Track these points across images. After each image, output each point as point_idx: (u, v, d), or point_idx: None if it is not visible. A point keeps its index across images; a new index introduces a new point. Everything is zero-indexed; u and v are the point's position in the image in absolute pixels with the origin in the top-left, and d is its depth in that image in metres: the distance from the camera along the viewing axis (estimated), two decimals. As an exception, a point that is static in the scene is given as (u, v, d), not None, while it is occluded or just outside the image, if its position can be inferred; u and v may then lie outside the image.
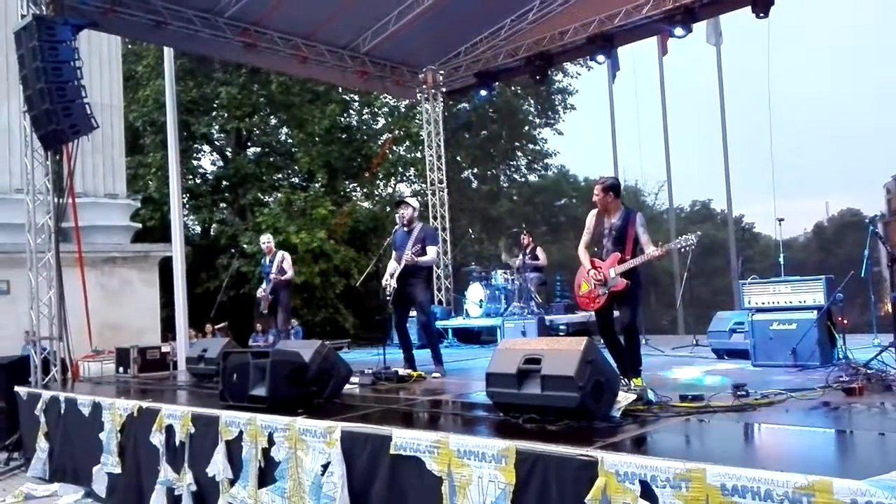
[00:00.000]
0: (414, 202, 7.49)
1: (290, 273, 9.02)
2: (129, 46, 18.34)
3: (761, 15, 8.86)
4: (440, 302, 12.83)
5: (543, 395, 3.94)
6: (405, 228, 7.15)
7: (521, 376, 4.07)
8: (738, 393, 4.48)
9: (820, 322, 5.98)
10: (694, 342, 8.50)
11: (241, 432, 4.81)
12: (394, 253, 7.19)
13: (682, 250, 5.31)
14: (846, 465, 3.20)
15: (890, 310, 6.74)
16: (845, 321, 6.22)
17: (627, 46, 11.22)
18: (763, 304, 6.38)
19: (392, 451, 3.87)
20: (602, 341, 5.68)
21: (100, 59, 12.12)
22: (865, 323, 7.67)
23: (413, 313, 7.42)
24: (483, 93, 12.53)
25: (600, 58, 10.71)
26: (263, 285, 9.07)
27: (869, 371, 4.98)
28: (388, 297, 7.07)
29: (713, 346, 7.47)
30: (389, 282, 7.01)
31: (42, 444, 7.14)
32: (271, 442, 4.59)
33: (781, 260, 7.90)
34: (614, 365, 4.83)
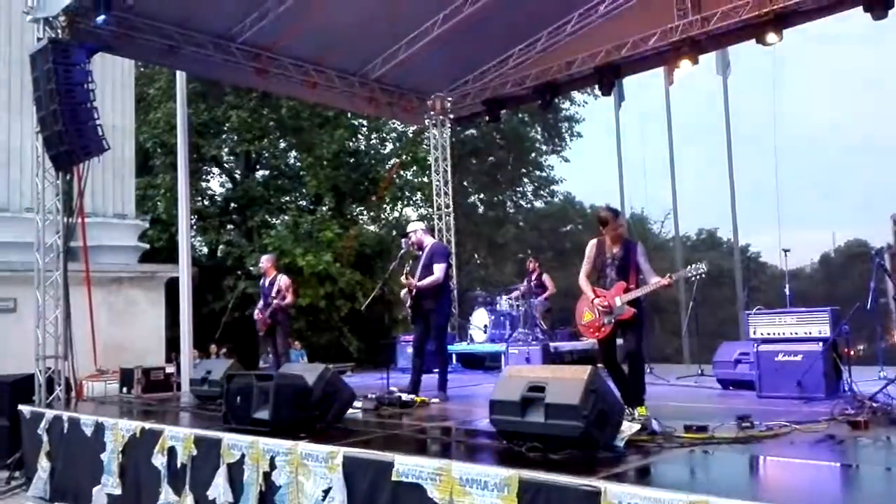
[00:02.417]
0: (416, 225, 7.55)
1: (290, 298, 8.95)
2: (142, 69, 18.57)
3: (767, 42, 8.91)
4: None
5: (547, 424, 3.93)
6: (419, 252, 7.24)
7: (525, 404, 4.06)
8: (743, 424, 4.46)
9: (826, 354, 5.96)
10: (699, 372, 8.46)
11: (243, 455, 4.81)
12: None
13: (693, 279, 5.34)
14: (851, 501, 3.17)
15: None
16: (852, 353, 6.19)
17: (634, 75, 11.31)
18: (769, 334, 6.36)
19: (394, 478, 3.86)
20: (605, 370, 5.68)
21: (113, 81, 12.29)
22: (871, 355, 7.62)
23: None
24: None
25: (598, 90, 10.82)
26: (260, 305, 9.03)
27: (875, 404, 4.95)
28: (409, 317, 7.22)
29: (718, 377, 7.43)
30: (407, 299, 7.11)
31: (44, 464, 7.12)
32: (273, 466, 4.58)
33: (787, 291, 7.89)
34: (618, 394, 4.82)
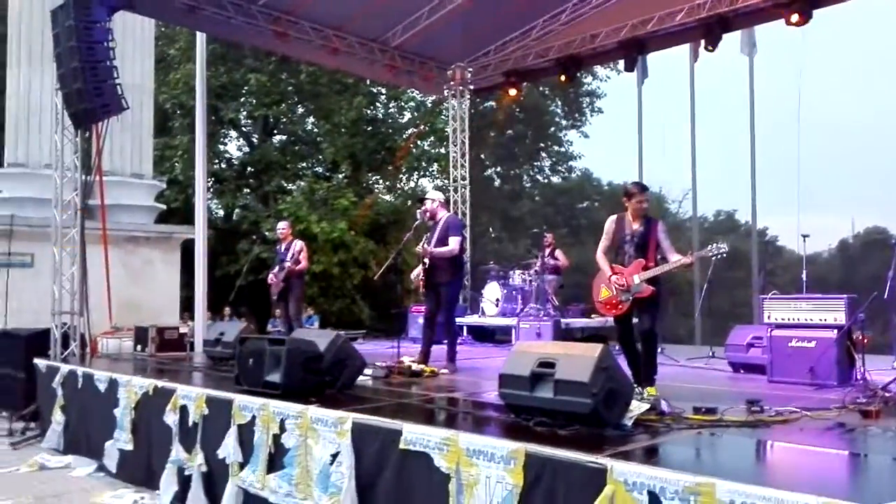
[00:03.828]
0: (435, 195, 7.52)
1: (304, 263, 9.01)
2: (163, 29, 18.50)
3: (794, 22, 8.72)
4: (457, 299, 12.83)
5: (556, 400, 3.94)
6: (430, 222, 7.22)
7: (535, 379, 4.07)
8: (753, 408, 4.44)
9: (840, 341, 5.91)
10: (710, 354, 8.42)
11: (253, 417, 4.86)
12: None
13: (714, 258, 5.28)
14: (858, 489, 3.16)
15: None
16: (865, 340, 6.13)
17: (659, 51, 11.12)
18: (783, 319, 6.30)
19: (402, 446, 3.89)
20: (618, 347, 5.67)
21: (133, 40, 12.22)
22: (885, 344, 7.55)
23: None
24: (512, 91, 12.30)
25: (621, 65, 10.63)
26: (275, 270, 9.09)
27: (887, 394, 4.91)
28: (420, 292, 7.24)
29: (730, 360, 7.40)
30: (419, 272, 7.10)
31: (58, 417, 7.26)
32: (283, 428, 4.64)
33: (804, 276, 7.81)
34: (629, 372, 4.81)
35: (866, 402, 4.71)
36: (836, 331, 5.93)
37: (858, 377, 5.81)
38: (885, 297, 6.03)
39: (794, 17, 8.63)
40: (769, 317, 6.42)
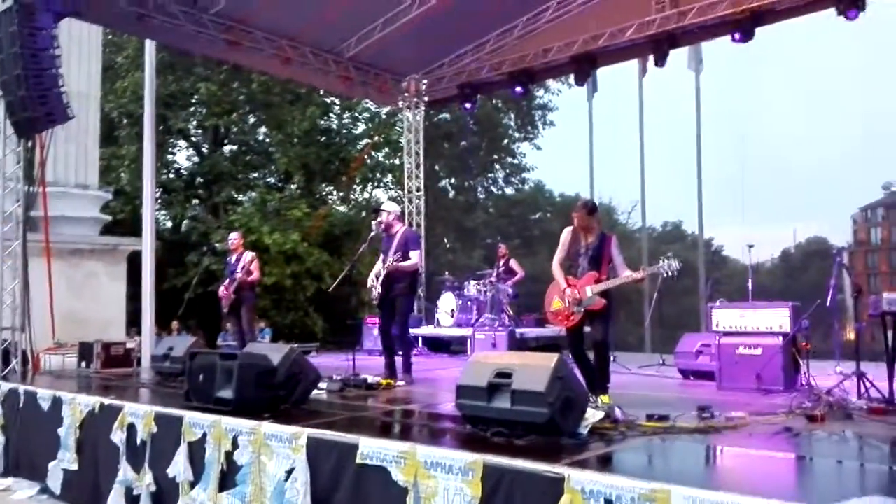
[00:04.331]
0: (391, 206, 7.51)
1: (256, 274, 8.86)
2: (110, 37, 18.09)
3: (738, 39, 9.03)
4: (411, 310, 12.79)
5: (513, 410, 3.96)
6: (385, 234, 7.20)
7: (492, 390, 4.08)
8: (704, 415, 4.54)
9: (785, 348, 6.10)
10: (661, 362, 8.59)
11: (204, 434, 4.75)
12: (381, 255, 7.23)
13: (665, 275, 5.38)
14: (807, 491, 3.25)
15: (853, 338, 6.88)
16: (808, 347, 6.33)
17: (608, 66, 11.34)
18: (730, 327, 6.47)
19: (358, 460, 3.85)
20: (572, 358, 5.73)
21: (79, 47, 11.89)
22: (827, 350, 7.82)
23: None
24: (468, 105, 12.42)
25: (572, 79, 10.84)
26: (226, 282, 8.93)
27: (831, 399, 5.07)
28: (374, 301, 7.18)
29: (679, 367, 7.56)
30: (374, 284, 7.06)
31: (-2, 437, 6.97)
32: (235, 445, 4.54)
33: (750, 285, 8.03)
34: (583, 382, 4.86)
35: (812, 406, 4.86)
36: (781, 338, 6.11)
37: (803, 382, 6.00)
38: (828, 304, 6.23)
39: (741, 35, 8.93)
40: (717, 325, 6.58)
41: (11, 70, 7.34)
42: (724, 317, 6.57)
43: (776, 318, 6.23)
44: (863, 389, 5.31)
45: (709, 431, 4.22)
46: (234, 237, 9.24)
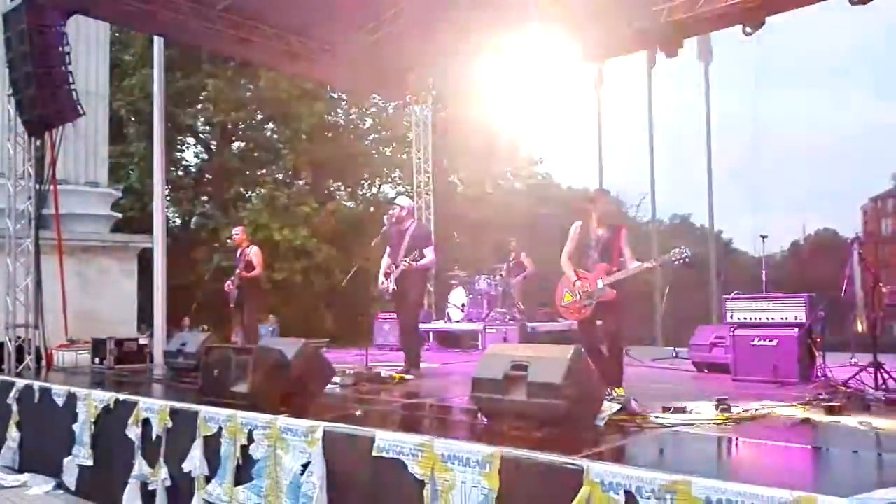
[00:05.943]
0: (403, 201, 7.52)
1: (257, 270, 8.85)
2: (117, 34, 18.12)
3: (748, 31, 8.92)
4: (422, 305, 12.78)
5: (529, 402, 3.93)
6: (396, 229, 7.20)
7: (508, 382, 4.05)
8: (721, 406, 4.51)
9: (801, 339, 6.05)
10: (674, 354, 8.55)
11: (220, 428, 4.75)
12: (388, 250, 7.21)
13: (677, 263, 5.36)
14: (829, 483, 3.23)
15: (867, 330, 6.83)
16: (818, 340, 6.29)
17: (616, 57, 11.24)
18: (745, 319, 6.43)
19: (374, 453, 3.84)
20: (584, 351, 5.70)
21: (87, 45, 11.93)
22: (842, 341, 7.76)
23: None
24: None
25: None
26: (233, 277, 8.92)
27: (848, 389, 5.03)
28: (387, 297, 7.19)
29: (694, 359, 7.51)
30: (386, 284, 7.04)
31: (13, 434, 7.00)
32: (251, 439, 4.54)
33: (763, 276, 7.97)
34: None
35: (830, 398, 4.82)
36: (797, 329, 6.07)
37: (819, 374, 5.95)
38: (843, 294, 6.18)
39: (751, 25, 8.81)
40: (731, 316, 6.54)
41: (21, 68, 7.37)
42: (739, 308, 6.52)
43: (791, 309, 6.19)
44: (880, 380, 5.26)
45: (726, 423, 4.19)
46: (236, 232, 9.25)
